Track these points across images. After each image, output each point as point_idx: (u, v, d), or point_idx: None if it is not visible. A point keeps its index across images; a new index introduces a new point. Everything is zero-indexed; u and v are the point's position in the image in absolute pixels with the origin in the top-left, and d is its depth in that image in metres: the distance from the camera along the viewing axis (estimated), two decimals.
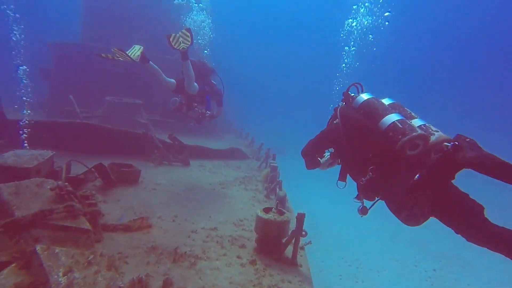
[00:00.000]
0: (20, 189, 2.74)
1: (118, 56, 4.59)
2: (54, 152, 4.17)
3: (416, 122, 2.46)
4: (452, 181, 2.16)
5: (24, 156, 3.73)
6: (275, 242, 3.18)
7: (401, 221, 2.28)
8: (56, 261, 2.06)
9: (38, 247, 2.12)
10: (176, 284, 2.39)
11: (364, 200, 2.71)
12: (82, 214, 2.71)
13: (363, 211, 2.71)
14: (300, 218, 3.11)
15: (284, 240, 3.21)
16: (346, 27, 10.50)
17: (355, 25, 10.35)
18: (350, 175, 2.84)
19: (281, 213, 3.30)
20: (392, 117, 2.40)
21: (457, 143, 1.90)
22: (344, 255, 8.82)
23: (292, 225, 3.22)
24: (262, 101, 31.24)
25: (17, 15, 6.38)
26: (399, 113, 2.49)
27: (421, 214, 2.18)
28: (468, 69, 36.42)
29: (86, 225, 2.63)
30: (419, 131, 2.28)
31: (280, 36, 39.53)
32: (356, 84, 2.99)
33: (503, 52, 34.25)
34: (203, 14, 11.28)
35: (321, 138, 2.99)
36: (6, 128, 5.47)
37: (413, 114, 2.58)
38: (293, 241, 3.17)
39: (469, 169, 1.91)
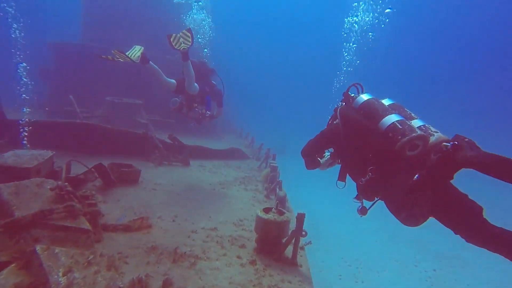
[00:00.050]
0: (20, 189, 2.74)
1: (118, 57, 4.59)
2: (54, 152, 4.17)
3: (416, 123, 2.46)
4: (451, 181, 2.17)
5: (24, 156, 3.73)
6: (275, 242, 3.19)
7: (401, 221, 2.28)
8: (56, 261, 2.06)
9: (38, 247, 2.12)
10: (176, 284, 2.39)
11: (363, 200, 2.71)
12: (82, 214, 2.71)
13: (363, 211, 2.72)
14: (300, 218, 3.11)
15: (284, 240, 3.21)
16: (346, 26, 10.50)
17: (357, 20, 10.33)
18: (349, 175, 2.85)
19: (281, 213, 3.30)
20: (392, 118, 2.41)
21: (456, 142, 1.91)
22: (344, 255, 8.82)
23: (292, 225, 3.22)
24: (262, 101, 31.22)
25: (17, 13, 6.36)
26: (399, 113, 2.50)
27: (421, 214, 2.19)
28: (469, 69, 36.43)
29: (86, 225, 2.63)
30: (419, 132, 2.28)
31: (280, 36, 39.57)
32: (356, 85, 3.00)
33: (504, 52, 34.26)
34: (203, 13, 11.27)
35: (321, 138, 2.99)
36: (6, 128, 5.47)
37: (413, 115, 2.59)
38: (293, 241, 3.18)
39: (469, 170, 1.91)
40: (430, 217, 2.24)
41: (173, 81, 5.37)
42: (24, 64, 6.21)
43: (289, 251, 3.20)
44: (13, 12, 6.32)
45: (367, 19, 10.38)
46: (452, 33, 35.50)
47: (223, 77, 6.00)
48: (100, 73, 9.79)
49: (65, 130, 6.02)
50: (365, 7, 10.31)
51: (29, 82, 6.28)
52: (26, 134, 5.27)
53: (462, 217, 2.09)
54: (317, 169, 3.29)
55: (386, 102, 2.70)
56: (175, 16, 10.96)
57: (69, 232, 2.50)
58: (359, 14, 10.36)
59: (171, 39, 4.76)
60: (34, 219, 2.40)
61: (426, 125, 2.46)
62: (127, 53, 4.66)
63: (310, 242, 3.69)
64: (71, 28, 15.17)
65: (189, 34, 4.79)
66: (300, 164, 3.47)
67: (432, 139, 2.31)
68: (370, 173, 2.45)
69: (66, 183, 2.94)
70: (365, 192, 2.58)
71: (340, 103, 3.04)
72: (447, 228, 2.20)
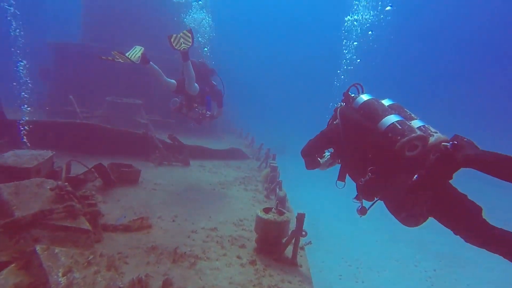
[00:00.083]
0: (20, 189, 2.75)
1: (119, 58, 4.59)
2: (54, 152, 4.17)
3: (416, 123, 2.46)
4: (450, 181, 2.17)
5: (24, 156, 3.73)
6: (275, 242, 3.19)
7: (400, 221, 2.29)
8: (56, 261, 2.06)
9: (38, 247, 2.12)
10: (176, 284, 2.39)
11: (363, 200, 2.71)
12: (82, 214, 2.72)
13: (362, 211, 2.72)
14: (300, 218, 3.11)
15: (284, 240, 3.21)
16: (346, 24, 10.48)
17: (357, 18, 10.32)
18: (349, 175, 2.85)
19: (281, 213, 3.30)
20: (392, 118, 2.41)
21: (455, 142, 1.91)
22: (344, 255, 8.81)
23: (292, 225, 3.22)
24: (262, 101, 31.23)
25: (16, 11, 6.35)
26: (399, 114, 2.50)
27: (421, 214, 2.19)
28: (469, 69, 36.42)
29: (86, 225, 2.63)
30: (418, 132, 2.28)
31: (280, 35, 39.55)
32: (356, 85, 3.01)
33: (504, 52, 34.25)
34: (203, 12, 11.27)
35: (321, 138, 3.00)
36: (6, 128, 5.47)
37: (412, 115, 2.59)
38: (293, 241, 3.17)
39: (469, 170, 1.91)
40: (430, 217, 2.24)
41: (173, 81, 5.37)
42: (24, 62, 6.21)
43: (289, 251, 3.20)
44: (12, 10, 6.30)
45: (367, 17, 10.37)
46: (452, 33, 35.51)
47: (223, 77, 6.01)
48: (100, 73, 9.78)
49: (65, 130, 6.01)
50: (365, 4, 10.29)
51: (28, 81, 6.28)
52: (26, 133, 5.27)
53: (462, 217, 2.09)
54: (317, 169, 3.30)
55: (386, 102, 2.70)
56: (175, 15, 10.96)
57: (69, 232, 2.50)
58: (359, 10, 10.34)
59: (172, 40, 4.77)
60: (34, 219, 2.40)
61: (426, 126, 2.46)
62: (127, 54, 4.66)
63: (310, 242, 3.68)
64: (71, 28, 15.17)
65: (190, 35, 4.80)
66: (300, 164, 3.47)
67: (431, 139, 2.31)
68: (369, 173, 2.45)
69: (66, 183, 2.94)
70: (365, 192, 2.59)
71: (340, 103, 3.04)
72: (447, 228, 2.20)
